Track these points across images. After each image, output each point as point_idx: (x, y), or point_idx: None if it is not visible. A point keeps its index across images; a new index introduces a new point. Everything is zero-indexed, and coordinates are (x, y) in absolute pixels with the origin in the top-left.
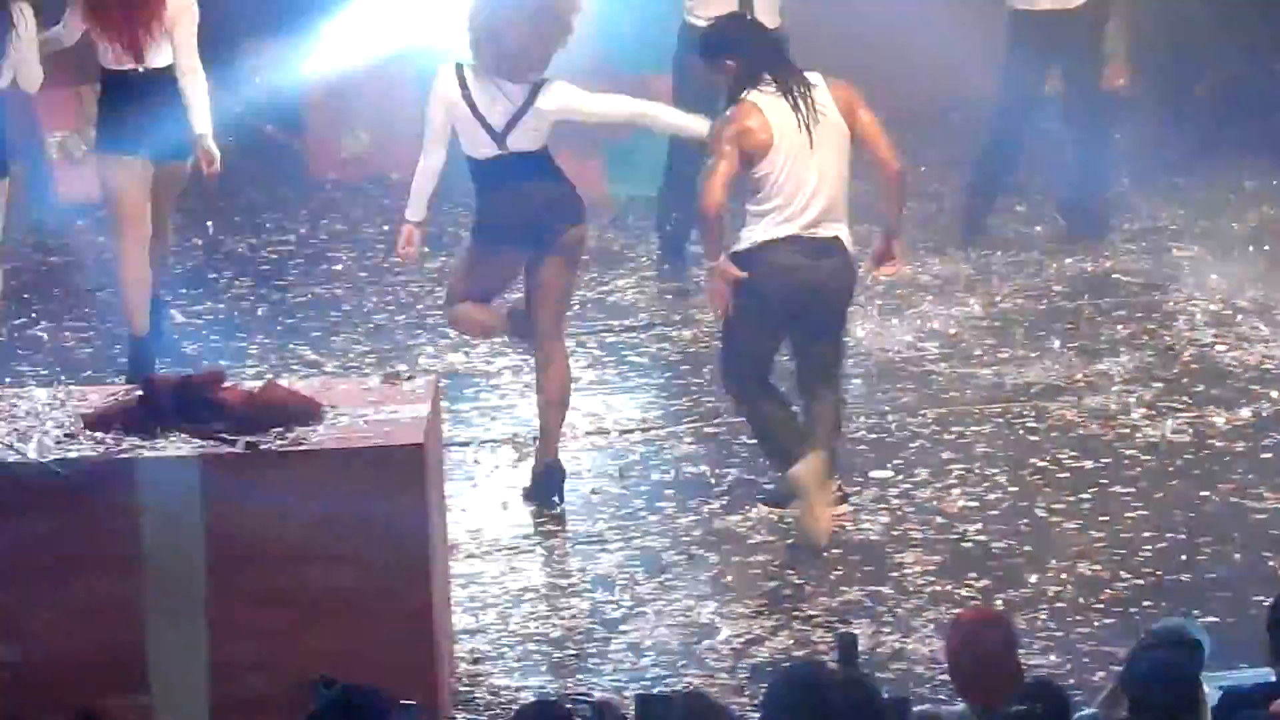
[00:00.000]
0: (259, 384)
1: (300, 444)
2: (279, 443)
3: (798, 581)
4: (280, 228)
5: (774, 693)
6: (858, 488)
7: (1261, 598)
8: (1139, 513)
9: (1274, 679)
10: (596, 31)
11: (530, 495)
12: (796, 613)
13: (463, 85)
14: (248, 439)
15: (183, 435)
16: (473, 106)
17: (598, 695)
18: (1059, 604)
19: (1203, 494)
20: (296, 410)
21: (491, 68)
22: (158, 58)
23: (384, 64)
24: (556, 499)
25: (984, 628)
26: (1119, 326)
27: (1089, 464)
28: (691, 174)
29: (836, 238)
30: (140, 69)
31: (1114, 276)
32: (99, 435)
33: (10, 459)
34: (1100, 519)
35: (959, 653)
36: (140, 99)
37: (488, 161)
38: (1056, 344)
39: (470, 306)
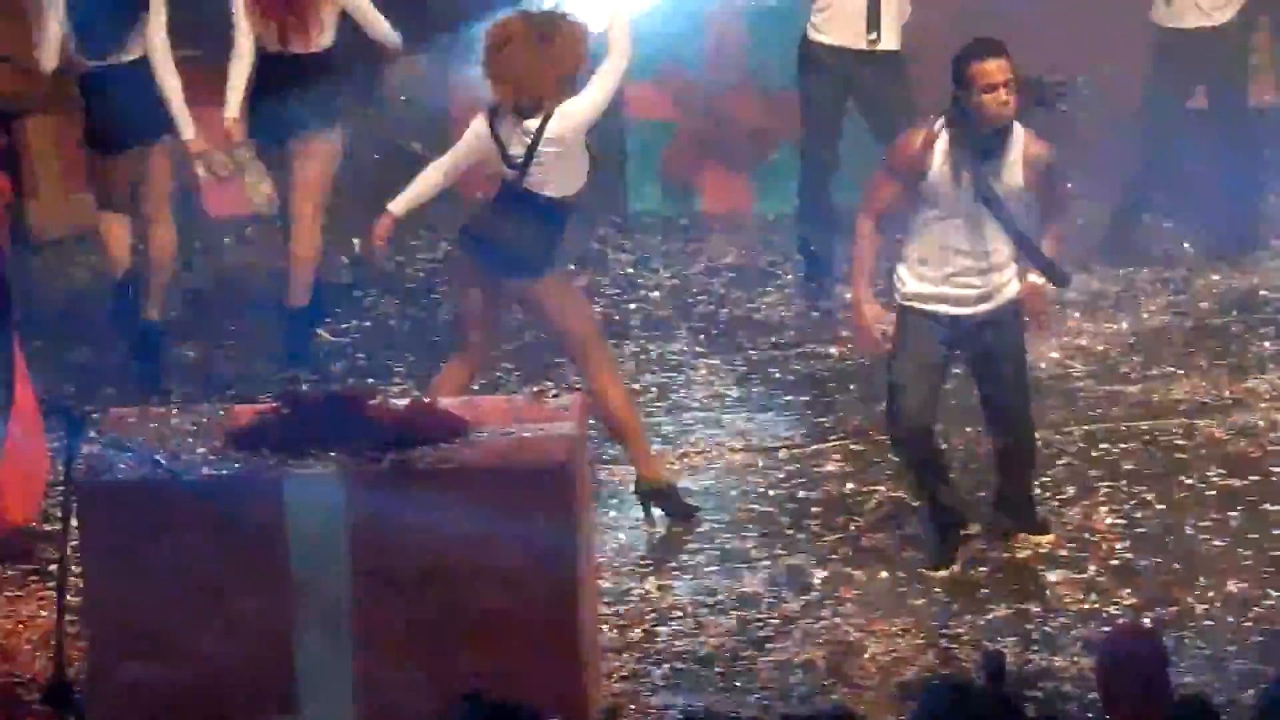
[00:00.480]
0: (406, 402)
1: (447, 462)
2: (425, 460)
3: (945, 599)
4: (427, 245)
5: (921, 711)
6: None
7: None
8: None
9: None
10: (744, 48)
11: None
12: (944, 630)
13: (490, 120)
14: (394, 456)
15: (329, 453)
16: (496, 138)
17: (745, 714)
18: (1207, 622)
19: None
20: (443, 428)
21: (504, 105)
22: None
23: None
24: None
25: (1134, 645)
26: (1266, 343)
27: (1237, 481)
28: (825, 190)
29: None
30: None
31: (1261, 293)
32: (246, 453)
33: (159, 476)
34: (1249, 536)
35: (1108, 671)
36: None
37: (502, 192)
38: (1204, 361)
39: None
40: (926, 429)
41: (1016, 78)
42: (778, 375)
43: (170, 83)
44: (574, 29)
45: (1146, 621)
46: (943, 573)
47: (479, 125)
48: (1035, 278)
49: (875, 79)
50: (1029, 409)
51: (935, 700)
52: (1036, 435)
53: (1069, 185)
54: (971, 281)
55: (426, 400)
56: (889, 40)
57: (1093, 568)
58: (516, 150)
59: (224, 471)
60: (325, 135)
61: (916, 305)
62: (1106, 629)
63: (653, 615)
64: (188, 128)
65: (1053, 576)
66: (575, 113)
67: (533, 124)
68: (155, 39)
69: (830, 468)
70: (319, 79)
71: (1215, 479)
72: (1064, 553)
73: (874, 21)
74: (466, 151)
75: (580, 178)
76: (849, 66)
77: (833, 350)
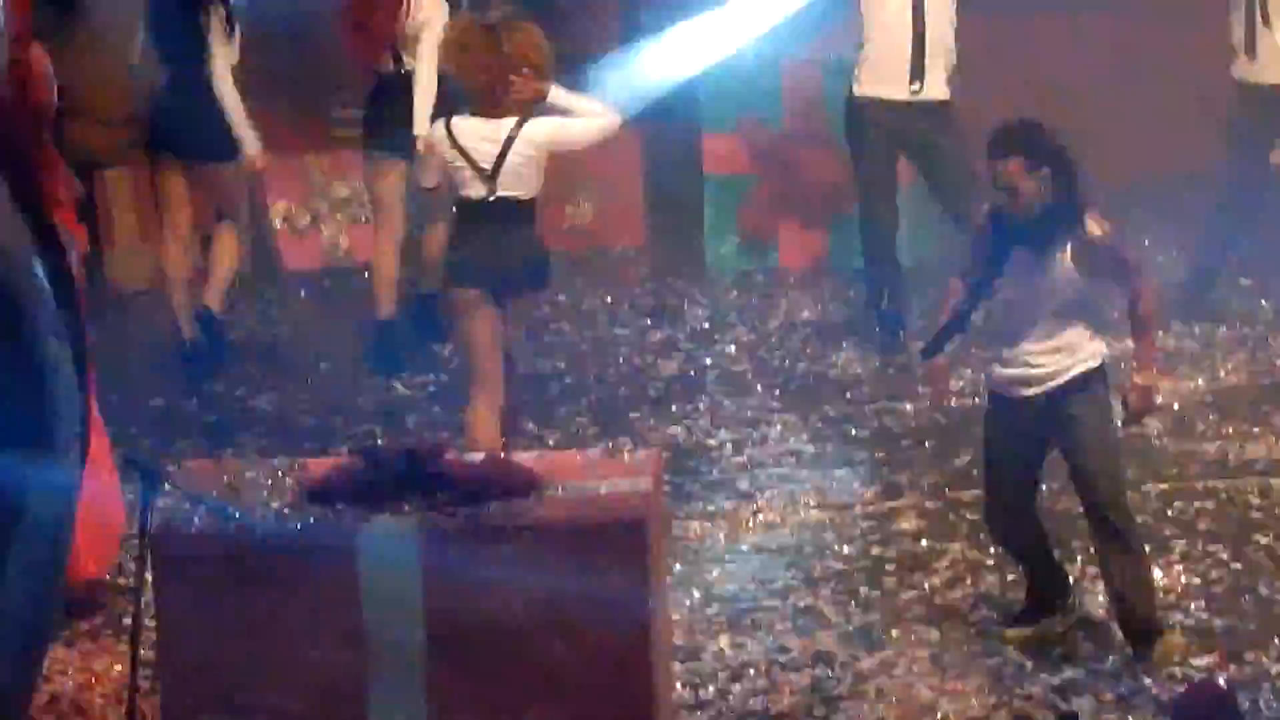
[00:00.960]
0: (480, 456)
1: (521, 517)
2: (500, 516)
3: (1019, 658)
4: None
5: None
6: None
7: None
8: None
9: None
10: (821, 103)
11: None
12: (1018, 690)
13: (449, 132)
14: (468, 511)
15: (404, 507)
16: (461, 150)
17: None
18: None
19: None
20: (519, 483)
21: (468, 106)
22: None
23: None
24: None
25: (1209, 705)
26: None
27: None
28: (889, 245)
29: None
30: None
31: None
32: (320, 507)
33: (233, 531)
34: None
35: None
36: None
37: (475, 205)
38: None
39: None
40: (1022, 511)
41: (1039, 169)
42: (853, 432)
43: (231, 102)
44: (528, 31)
45: (1221, 681)
46: (1016, 631)
47: (436, 137)
48: (1140, 378)
49: (923, 130)
50: (1123, 495)
51: None
52: None
53: (1133, 262)
54: (1038, 361)
55: (501, 454)
56: (934, 90)
57: (1168, 627)
58: (484, 157)
59: (298, 525)
60: None
61: (994, 387)
62: (1181, 689)
63: (726, 673)
64: (252, 144)
65: None
66: (540, 130)
67: (501, 130)
68: (218, 63)
69: (905, 525)
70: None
71: None
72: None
73: (917, 71)
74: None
75: (540, 180)
76: (896, 119)
77: (908, 406)
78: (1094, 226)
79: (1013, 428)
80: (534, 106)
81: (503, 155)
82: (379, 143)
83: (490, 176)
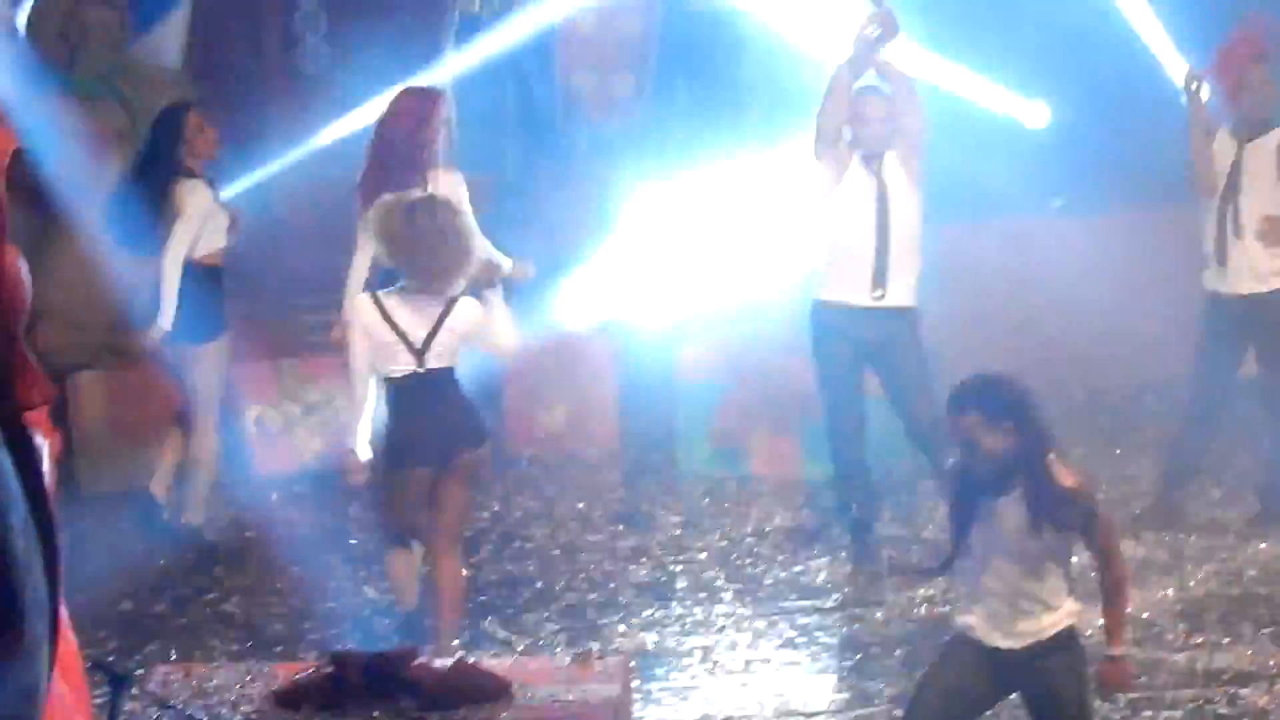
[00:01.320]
0: (450, 662)
1: None
2: None
3: None
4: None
5: None
6: None
7: None
8: None
9: None
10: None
11: None
12: None
13: (380, 309)
14: (438, 717)
15: (374, 714)
16: (393, 326)
17: None
18: None
19: None
20: (487, 689)
21: (413, 284)
22: None
23: (579, 339)
24: None
25: None
26: None
27: None
28: (857, 451)
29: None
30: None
31: None
32: (289, 713)
33: None
34: None
35: None
36: None
37: (405, 379)
38: (1249, 629)
39: (402, 565)
40: None
41: (1001, 423)
42: (822, 638)
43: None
44: (448, 209)
45: None
46: None
47: (365, 319)
48: (1114, 650)
49: (885, 337)
50: None
51: None
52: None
53: (1104, 520)
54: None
55: (470, 661)
56: (897, 296)
57: None
58: (418, 334)
59: None
60: None
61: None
62: None
63: None
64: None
65: None
66: (467, 317)
67: (435, 310)
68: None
69: None
70: None
71: None
72: None
73: (880, 277)
74: (366, 349)
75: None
76: (858, 325)
77: (878, 614)
78: (1064, 476)
79: (973, 677)
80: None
81: (434, 333)
82: None
83: (420, 351)
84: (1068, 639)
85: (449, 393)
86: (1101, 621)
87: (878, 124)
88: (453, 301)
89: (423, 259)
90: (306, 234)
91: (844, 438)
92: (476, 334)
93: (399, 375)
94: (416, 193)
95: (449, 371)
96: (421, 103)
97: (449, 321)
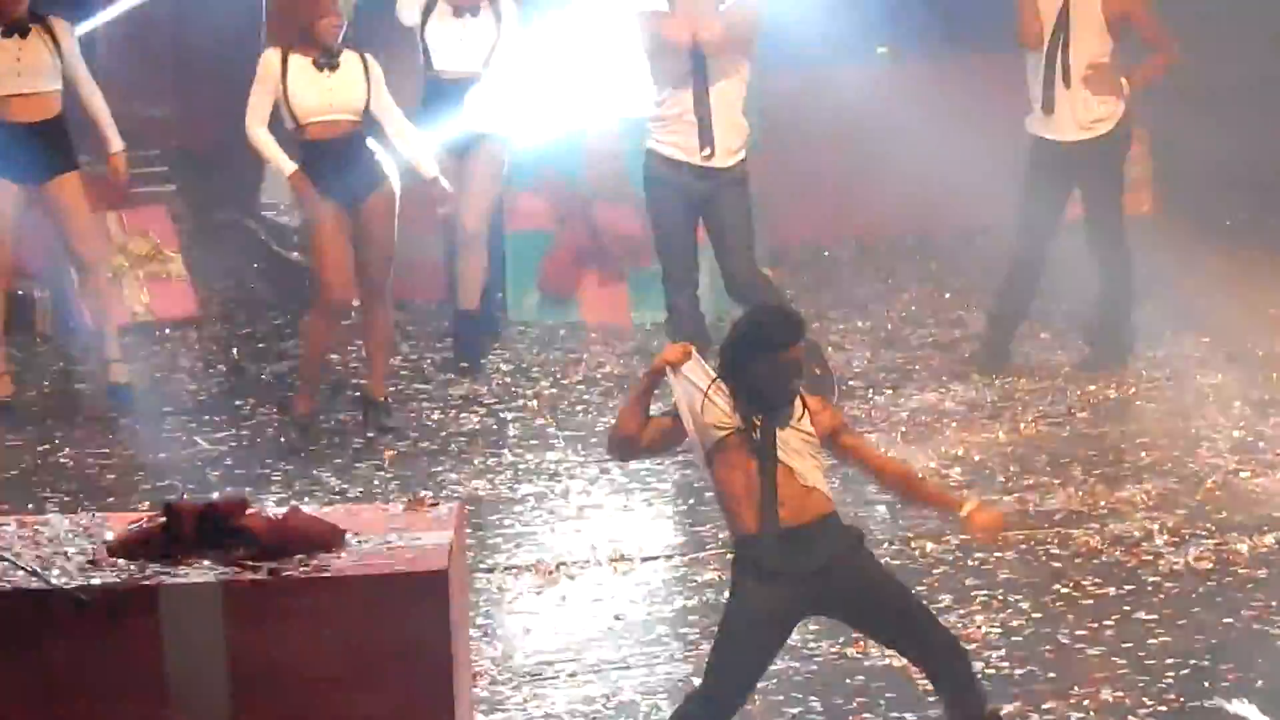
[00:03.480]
0: (282, 511)
1: (323, 571)
2: (302, 570)
3: (820, 708)
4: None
5: None
6: None
7: None
8: (1162, 639)
9: None
10: (620, 158)
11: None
12: None
13: (283, 63)
14: (271, 566)
15: (206, 562)
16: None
17: None
18: None
19: (1226, 621)
20: (320, 537)
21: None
22: None
23: (406, 190)
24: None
25: None
26: (1142, 453)
27: (1112, 590)
28: (689, 299)
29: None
30: None
31: (1137, 403)
32: (121, 562)
33: (33, 586)
34: (1124, 645)
35: None
36: None
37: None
38: (1079, 471)
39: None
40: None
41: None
42: (655, 484)
43: None
44: None
45: None
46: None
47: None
48: (962, 511)
49: (711, 193)
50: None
51: None
52: (913, 544)
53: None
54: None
55: (303, 510)
56: (725, 156)
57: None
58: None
59: (100, 581)
60: None
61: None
62: None
63: None
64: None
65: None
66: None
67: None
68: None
69: (708, 576)
70: None
71: (1090, 588)
72: None
73: (707, 137)
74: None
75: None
76: (686, 179)
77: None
78: (825, 414)
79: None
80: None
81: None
82: None
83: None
84: (858, 537)
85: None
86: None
87: None
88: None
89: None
90: (130, 85)
91: (676, 283)
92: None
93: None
94: None
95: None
96: None
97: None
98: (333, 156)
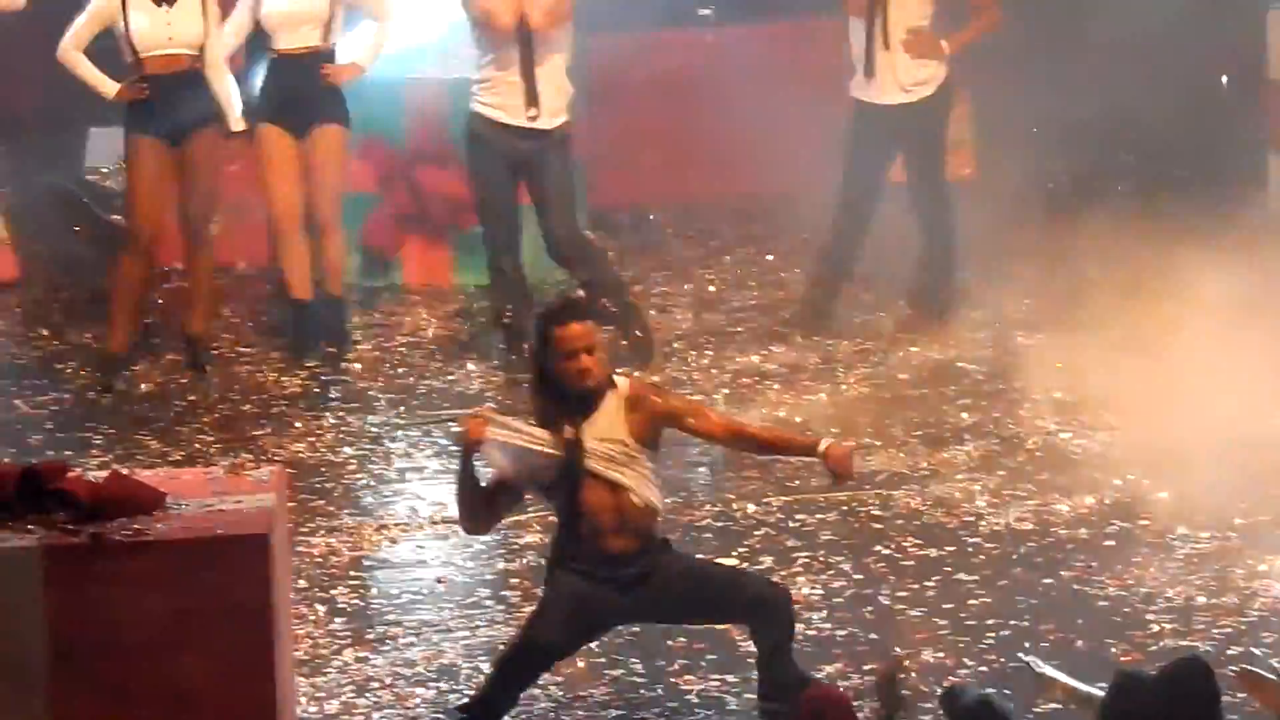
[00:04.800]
0: (103, 475)
1: (144, 535)
2: (123, 534)
3: (642, 670)
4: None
5: None
6: None
7: (1104, 684)
8: (983, 600)
9: None
10: (444, 120)
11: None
12: (635, 698)
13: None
14: (91, 530)
15: (25, 526)
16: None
17: None
18: (904, 691)
19: (1046, 581)
20: (141, 501)
21: None
22: None
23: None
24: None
25: (828, 709)
26: (964, 414)
27: (933, 551)
28: (512, 261)
29: None
30: None
31: (959, 365)
32: None
33: None
34: (944, 606)
35: None
36: None
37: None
38: (901, 432)
39: None
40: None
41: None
42: None
43: None
44: None
45: (841, 688)
46: None
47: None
48: (819, 450)
49: (535, 154)
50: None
51: None
52: (735, 506)
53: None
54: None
55: (124, 473)
56: (549, 118)
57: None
58: None
59: None
60: None
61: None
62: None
63: (351, 687)
64: None
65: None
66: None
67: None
68: None
69: (529, 539)
70: None
71: (911, 549)
72: None
73: (532, 97)
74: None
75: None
76: (511, 140)
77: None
78: (644, 390)
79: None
80: None
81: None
82: None
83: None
84: (665, 544)
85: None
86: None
87: None
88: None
89: None
90: None
91: (498, 246)
92: None
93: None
94: None
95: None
96: None
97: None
98: (166, 91)
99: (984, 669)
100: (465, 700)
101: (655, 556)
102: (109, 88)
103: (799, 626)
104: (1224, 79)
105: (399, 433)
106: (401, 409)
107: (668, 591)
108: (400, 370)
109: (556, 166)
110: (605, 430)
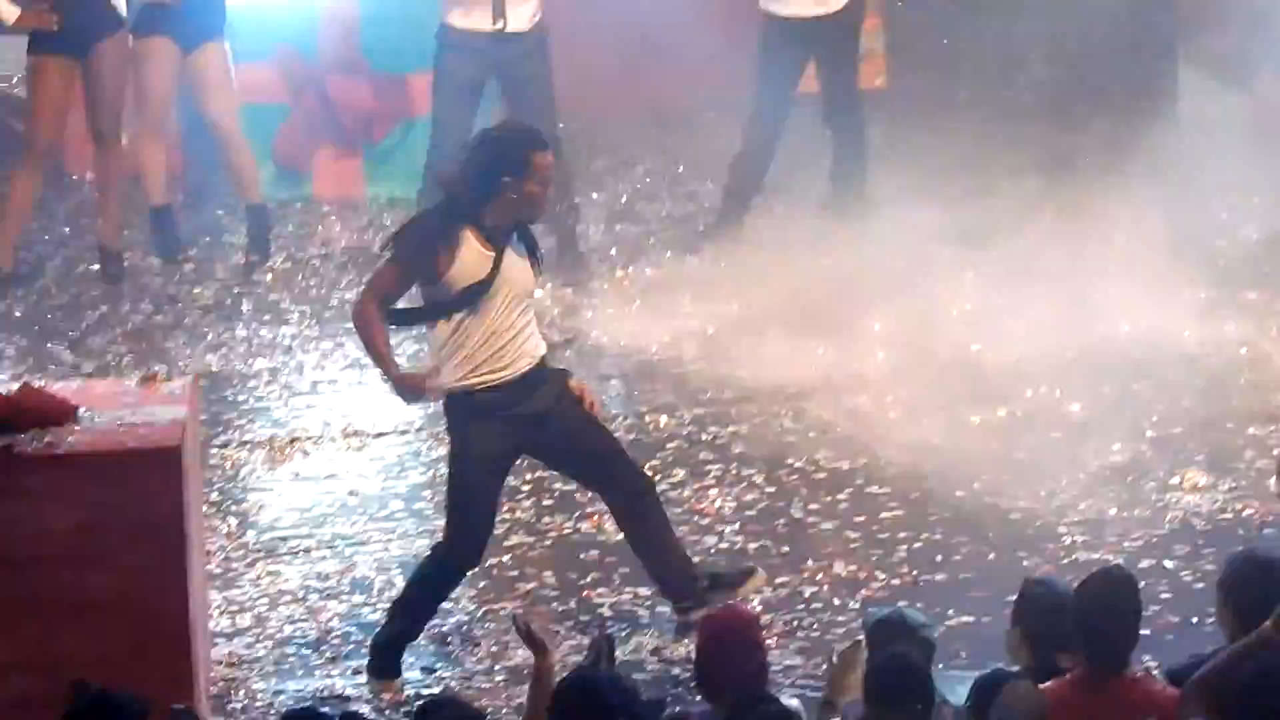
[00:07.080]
0: (14, 387)
1: (56, 447)
2: (34, 446)
3: (554, 583)
4: (40, 229)
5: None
6: None
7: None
8: (895, 513)
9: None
10: (356, 30)
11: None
12: (548, 612)
13: None
14: (2, 442)
15: None
16: None
17: (354, 694)
18: (815, 604)
19: (958, 494)
20: (52, 413)
21: None
22: None
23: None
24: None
25: (730, 627)
26: (876, 325)
27: (845, 464)
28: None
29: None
30: None
31: (871, 275)
32: None
33: None
34: (856, 519)
35: (705, 652)
36: None
37: None
38: (813, 343)
39: None
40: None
41: None
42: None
43: None
44: None
45: (755, 603)
46: None
47: None
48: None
49: (508, 59)
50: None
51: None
52: (647, 418)
53: None
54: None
55: (35, 385)
56: (517, 23)
57: (702, 550)
58: None
59: None
60: None
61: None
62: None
63: (264, 600)
64: None
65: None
66: None
67: None
68: None
69: (441, 451)
70: None
71: (824, 461)
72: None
73: (499, 8)
74: None
75: None
76: (481, 49)
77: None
78: None
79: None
80: None
81: None
82: None
83: None
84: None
85: None
86: None
87: None
88: None
89: None
90: None
91: (444, 154)
92: None
93: None
94: None
95: None
96: None
97: None
98: (70, 9)
99: (896, 581)
100: (379, 613)
101: (553, 398)
102: (8, 13)
103: (711, 540)
104: None
105: (311, 345)
106: (313, 321)
107: (557, 436)
108: (312, 282)
109: (534, 70)
110: (517, 262)
